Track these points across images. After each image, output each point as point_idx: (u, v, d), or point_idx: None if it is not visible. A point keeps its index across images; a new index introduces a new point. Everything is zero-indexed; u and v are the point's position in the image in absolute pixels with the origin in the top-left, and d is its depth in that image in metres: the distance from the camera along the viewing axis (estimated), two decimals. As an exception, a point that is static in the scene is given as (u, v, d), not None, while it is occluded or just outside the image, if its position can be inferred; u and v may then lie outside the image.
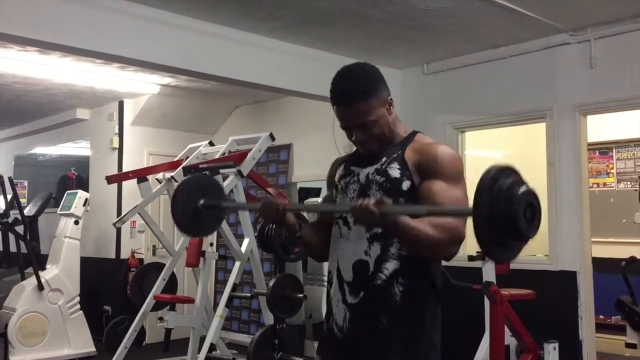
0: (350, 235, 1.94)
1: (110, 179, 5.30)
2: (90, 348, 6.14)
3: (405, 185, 1.88)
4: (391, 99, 1.98)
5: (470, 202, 1.64)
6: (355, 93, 1.90)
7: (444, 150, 1.91)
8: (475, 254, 4.55)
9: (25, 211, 6.77)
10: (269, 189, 5.48)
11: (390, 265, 1.87)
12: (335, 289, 1.97)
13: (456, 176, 1.88)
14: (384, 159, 1.93)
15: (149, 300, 5.15)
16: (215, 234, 7.04)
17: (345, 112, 1.92)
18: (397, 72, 5.82)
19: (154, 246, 7.08)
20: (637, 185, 6.22)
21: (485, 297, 4.18)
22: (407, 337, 1.87)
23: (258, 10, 4.26)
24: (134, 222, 6.71)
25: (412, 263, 1.87)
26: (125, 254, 6.82)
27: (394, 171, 1.90)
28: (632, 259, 5.25)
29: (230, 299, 4.66)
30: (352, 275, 1.92)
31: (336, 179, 2.06)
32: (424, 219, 1.75)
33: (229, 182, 4.75)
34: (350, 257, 1.93)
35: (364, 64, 2.01)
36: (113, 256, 6.90)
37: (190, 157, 5.34)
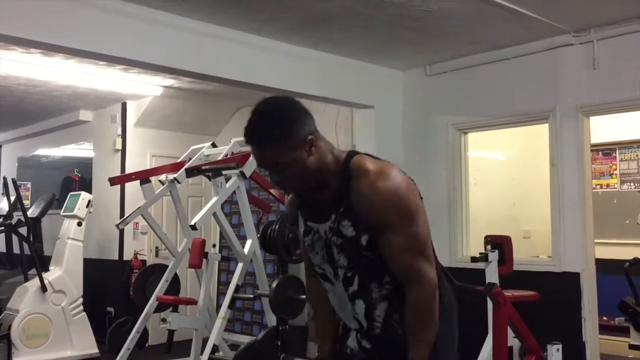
0: (335, 290, 1.91)
1: (113, 181, 5.30)
2: (93, 349, 6.15)
3: (364, 239, 1.77)
4: (312, 138, 1.75)
5: (429, 224, 1.79)
6: (263, 137, 1.74)
7: (388, 193, 1.72)
8: (477, 255, 4.55)
9: (29, 213, 6.78)
10: (272, 190, 5.48)
11: (380, 310, 1.85)
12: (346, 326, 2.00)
13: (407, 215, 1.75)
14: (333, 216, 1.80)
15: (152, 302, 5.15)
16: (218, 235, 7.06)
17: (256, 153, 1.77)
18: (400, 74, 5.82)
19: (156, 247, 7.09)
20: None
21: (488, 299, 4.17)
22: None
23: (261, 11, 4.27)
24: (137, 223, 6.72)
25: (400, 297, 1.80)
26: (128, 256, 6.82)
27: (347, 229, 1.78)
28: (636, 260, 5.24)
29: (233, 300, 4.66)
30: (352, 329, 1.96)
31: (301, 233, 1.95)
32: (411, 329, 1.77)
33: (232, 183, 4.75)
34: (344, 314, 1.95)
35: (280, 100, 1.83)
36: (116, 257, 6.91)
37: (193, 159, 5.33)
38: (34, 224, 6.78)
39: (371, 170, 1.75)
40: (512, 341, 4.23)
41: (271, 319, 4.79)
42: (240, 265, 4.80)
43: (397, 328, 1.84)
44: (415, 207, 1.78)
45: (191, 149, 5.64)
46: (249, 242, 4.89)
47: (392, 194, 1.72)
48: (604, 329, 5.51)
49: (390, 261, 1.77)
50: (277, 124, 1.74)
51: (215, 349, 4.52)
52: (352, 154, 1.83)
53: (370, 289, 1.83)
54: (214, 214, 4.64)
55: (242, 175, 4.74)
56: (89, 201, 6.41)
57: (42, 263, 6.25)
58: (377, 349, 1.90)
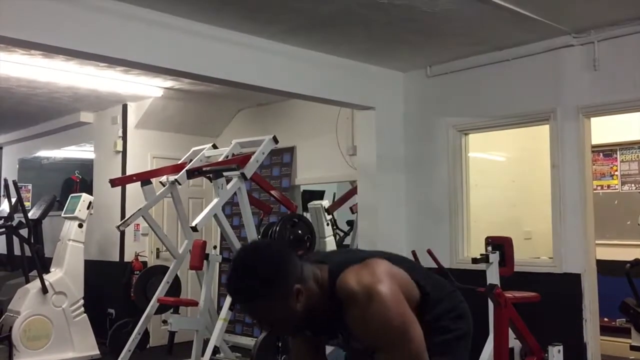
0: None
1: (114, 182, 5.31)
2: (94, 351, 6.15)
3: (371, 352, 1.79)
4: (299, 288, 1.72)
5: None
6: (247, 296, 1.71)
7: (381, 318, 1.71)
8: (478, 257, 4.54)
9: (30, 214, 6.79)
10: (272, 192, 5.49)
11: None
12: None
13: (401, 333, 1.73)
14: (340, 336, 1.90)
15: (153, 303, 5.16)
16: (218, 236, 7.07)
17: (242, 306, 1.81)
18: (401, 75, 5.82)
19: (157, 249, 7.09)
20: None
21: (489, 300, 4.17)
22: None
23: (261, 13, 4.27)
24: (138, 225, 6.73)
25: None
26: (129, 257, 6.83)
27: (357, 344, 1.87)
28: (637, 261, 5.24)
29: (233, 302, 4.66)
30: None
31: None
32: None
33: (233, 184, 4.75)
34: None
35: (261, 251, 1.77)
36: (117, 259, 6.91)
37: (194, 160, 5.34)
38: (35, 226, 6.79)
39: (358, 295, 1.72)
40: (513, 342, 4.23)
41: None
42: (241, 266, 4.79)
43: None
44: (408, 323, 1.75)
45: (192, 150, 5.64)
46: (249, 244, 4.88)
47: (385, 318, 1.70)
48: (605, 330, 5.51)
49: None
50: (261, 282, 1.68)
51: (216, 350, 4.52)
52: (333, 273, 1.79)
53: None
54: (215, 216, 4.64)
55: (243, 176, 4.75)
56: (90, 203, 6.41)
57: (43, 265, 6.26)
58: None
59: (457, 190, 5.43)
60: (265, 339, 4.64)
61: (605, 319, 5.73)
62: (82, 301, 6.20)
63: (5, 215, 6.97)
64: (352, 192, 5.96)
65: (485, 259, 4.49)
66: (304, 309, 1.73)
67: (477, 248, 4.94)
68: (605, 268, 5.25)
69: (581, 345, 4.57)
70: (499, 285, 4.14)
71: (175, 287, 5.42)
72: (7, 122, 8.20)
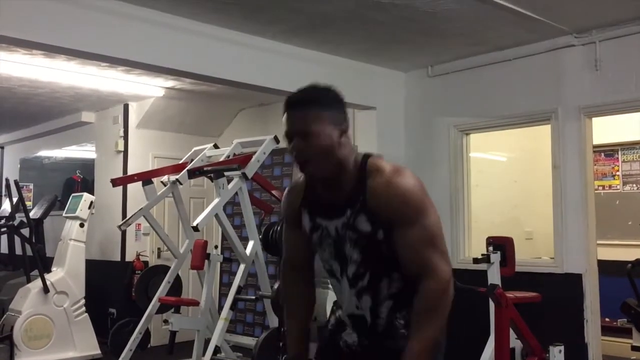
0: (341, 287, 1.94)
1: (115, 182, 5.31)
2: (95, 350, 6.15)
3: (380, 235, 1.81)
4: (346, 127, 1.83)
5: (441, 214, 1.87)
6: (309, 98, 1.81)
7: (404, 188, 1.79)
8: (480, 257, 4.54)
9: (31, 214, 6.79)
10: (274, 192, 5.49)
11: (385, 308, 1.87)
12: (345, 321, 1.99)
13: (421, 209, 1.81)
14: (348, 212, 1.83)
15: (154, 303, 5.16)
16: (220, 236, 7.07)
17: (294, 115, 1.79)
18: (402, 75, 5.82)
19: (159, 249, 7.09)
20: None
21: (490, 300, 4.17)
22: None
23: (262, 13, 4.27)
24: (139, 224, 6.72)
25: (405, 297, 1.83)
26: (130, 257, 6.83)
27: (364, 225, 1.81)
28: (638, 261, 5.23)
29: (235, 301, 4.67)
30: (351, 324, 1.96)
31: (307, 229, 1.95)
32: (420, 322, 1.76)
33: (234, 184, 4.75)
34: (345, 308, 1.96)
35: (333, 87, 1.88)
36: (118, 259, 6.91)
37: (195, 160, 5.34)
38: (36, 225, 6.79)
39: (387, 169, 1.82)
40: (514, 342, 4.23)
41: (273, 320, 4.79)
42: (242, 266, 4.80)
43: (400, 327, 1.86)
44: (429, 202, 1.85)
45: (193, 150, 5.64)
46: (250, 244, 4.89)
47: (407, 189, 1.80)
48: (606, 330, 5.50)
49: (405, 255, 1.80)
50: (326, 94, 1.83)
51: (217, 350, 4.52)
52: (367, 155, 1.88)
53: (380, 286, 1.86)
54: (216, 215, 4.64)
55: (244, 176, 4.75)
56: (91, 202, 6.41)
57: (44, 264, 6.25)
58: (375, 347, 1.90)
59: (458, 190, 5.44)
60: (266, 339, 4.64)
61: (607, 319, 5.73)
62: (83, 301, 6.20)
63: (7, 214, 6.98)
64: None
65: (486, 259, 4.49)
66: (337, 156, 1.79)
67: (478, 248, 4.94)
68: (607, 268, 5.25)
69: (582, 345, 4.57)
70: (500, 285, 4.14)
71: (177, 286, 5.41)
72: (9, 121, 8.21)
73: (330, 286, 5.47)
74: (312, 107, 1.79)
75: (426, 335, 1.74)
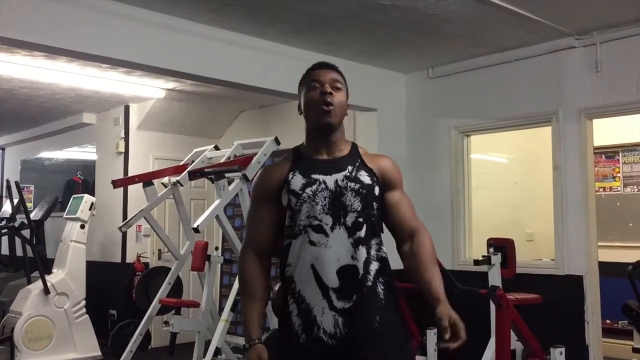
0: (329, 242, 1.95)
1: (116, 183, 5.31)
2: (96, 352, 6.15)
3: (377, 190, 2.03)
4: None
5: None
6: (335, 67, 2.14)
7: (393, 162, 2.16)
8: (480, 258, 4.54)
9: (32, 215, 6.79)
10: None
11: (374, 266, 1.98)
12: (316, 298, 1.95)
13: (402, 184, 2.15)
14: (350, 167, 2.03)
15: (155, 304, 5.15)
16: (220, 238, 7.07)
17: (327, 71, 2.09)
18: (403, 76, 5.82)
19: (159, 250, 7.09)
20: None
21: (491, 302, 4.17)
22: (400, 336, 2.03)
23: (263, 14, 4.27)
24: (140, 226, 6.73)
25: (387, 263, 2.02)
26: (130, 258, 6.83)
27: (365, 178, 2.01)
28: (639, 263, 5.23)
29: (235, 303, 4.66)
30: (338, 281, 1.93)
31: (296, 188, 1.99)
32: (429, 271, 1.98)
33: (234, 186, 4.75)
34: (333, 264, 1.94)
35: None
36: (119, 260, 6.91)
37: (196, 161, 5.34)
38: (37, 227, 6.79)
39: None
40: (515, 344, 4.23)
41: (273, 322, 4.78)
42: (242, 267, 4.79)
43: (380, 294, 1.97)
44: None
45: (194, 151, 5.64)
46: (251, 245, 4.88)
47: (396, 165, 2.16)
48: (607, 332, 5.50)
49: (400, 212, 2.08)
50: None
51: (217, 351, 4.52)
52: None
53: (371, 242, 2.00)
54: (217, 217, 4.64)
55: (244, 178, 4.74)
56: (92, 204, 6.41)
57: (45, 265, 6.26)
58: (355, 310, 1.92)
59: (459, 191, 5.43)
60: (267, 341, 4.64)
61: (608, 321, 5.72)
62: (84, 302, 6.20)
63: (8, 216, 6.98)
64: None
65: (487, 260, 4.49)
66: (343, 113, 2.10)
67: (479, 250, 4.94)
68: (608, 270, 5.24)
69: (583, 347, 4.56)
70: (501, 287, 4.14)
71: (177, 288, 5.41)
72: (10, 123, 8.22)
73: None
74: (338, 73, 2.12)
75: (439, 276, 1.97)
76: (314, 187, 1.99)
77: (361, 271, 1.94)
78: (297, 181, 2.01)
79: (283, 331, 2.08)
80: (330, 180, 1.99)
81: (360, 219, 1.97)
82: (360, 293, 1.94)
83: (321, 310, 1.94)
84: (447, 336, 1.81)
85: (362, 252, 1.96)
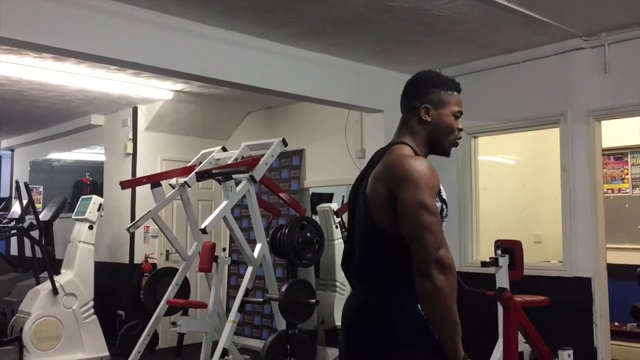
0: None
1: (124, 184, 5.33)
2: (104, 352, 6.17)
3: None
4: None
5: None
6: None
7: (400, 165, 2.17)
8: (488, 260, 4.53)
9: (41, 216, 6.82)
10: (281, 195, 5.49)
11: None
12: None
13: (404, 179, 2.10)
14: None
15: (162, 305, 5.17)
16: (227, 239, 7.08)
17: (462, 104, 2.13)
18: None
19: (167, 251, 7.11)
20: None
21: (498, 304, 4.15)
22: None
23: (271, 16, 4.28)
24: (148, 227, 6.75)
25: None
26: (138, 259, 6.86)
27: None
28: (648, 265, 5.21)
29: (242, 304, 4.67)
30: None
31: (446, 198, 2.12)
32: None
33: (242, 187, 4.76)
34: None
35: None
36: (127, 261, 6.94)
37: (203, 163, 5.36)
38: (46, 228, 6.82)
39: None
40: (523, 346, 4.21)
41: (281, 323, 4.80)
42: (250, 269, 4.81)
43: None
44: (419, 182, 2.01)
45: (201, 152, 5.66)
46: (258, 246, 4.89)
47: (409, 170, 2.13)
48: (616, 334, 5.46)
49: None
50: None
51: (224, 352, 4.53)
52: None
53: None
54: (224, 218, 4.65)
55: (252, 179, 4.76)
56: (100, 205, 6.44)
57: (53, 266, 6.28)
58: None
59: (467, 193, 5.42)
60: (274, 342, 4.65)
61: (616, 324, 5.69)
62: (92, 303, 6.22)
63: (17, 217, 7.01)
64: (361, 194, 5.94)
65: (494, 262, 4.48)
66: None
67: (487, 251, 4.93)
68: (616, 272, 5.22)
69: (591, 349, 4.55)
70: (509, 289, 4.13)
71: (185, 289, 5.43)
72: (19, 124, 8.26)
73: (337, 289, 5.47)
74: None
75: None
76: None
77: None
78: (444, 195, 2.05)
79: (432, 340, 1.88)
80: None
81: None
82: None
83: None
84: None
85: None
